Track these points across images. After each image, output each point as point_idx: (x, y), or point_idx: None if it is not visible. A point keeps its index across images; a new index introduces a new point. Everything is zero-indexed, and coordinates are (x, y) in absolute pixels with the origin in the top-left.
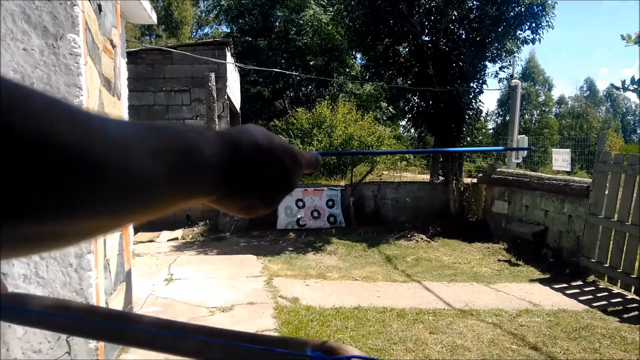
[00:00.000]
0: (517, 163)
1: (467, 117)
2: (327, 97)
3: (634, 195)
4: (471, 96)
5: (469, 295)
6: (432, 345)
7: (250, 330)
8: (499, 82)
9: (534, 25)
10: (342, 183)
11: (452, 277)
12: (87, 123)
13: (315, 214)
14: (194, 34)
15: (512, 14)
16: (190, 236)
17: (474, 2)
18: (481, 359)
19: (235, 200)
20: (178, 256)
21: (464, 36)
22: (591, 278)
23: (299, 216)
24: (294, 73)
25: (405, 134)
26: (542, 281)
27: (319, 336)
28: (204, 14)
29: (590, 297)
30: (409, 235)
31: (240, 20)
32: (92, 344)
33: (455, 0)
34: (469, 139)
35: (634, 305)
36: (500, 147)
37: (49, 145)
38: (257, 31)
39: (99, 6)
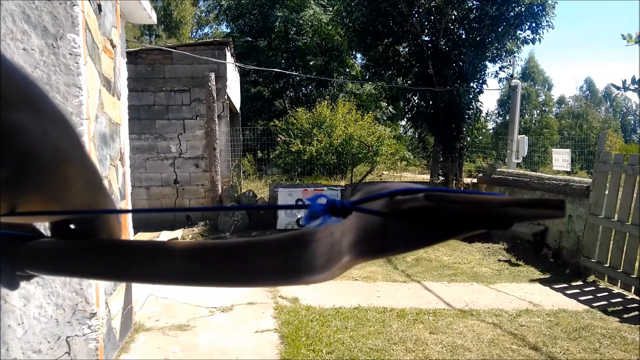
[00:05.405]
0: (517, 163)
1: (467, 117)
2: (327, 97)
3: (634, 195)
4: (471, 96)
5: (469, 295)
6: (432, 346)
7: (250, 331)
8: (499, 82)
9: (534, 25)
10: (342, 183)
11: (452, 277)
12: None
13: None
14: (194, 34)
15: (512, 13)
16: (190, 236)
17: (474, 2)
18: (481, 359)
19: None
20: None
21: (463, 36)
22: (591, 278)
23: (298, 216)
24: (294, 73)
25: (405, 134)
26: (542, 281)
27: (319, 336)
28: (203, 14)
29: (591, 297)
30: None
31: (240, 20)
32: (92, 344)
33: (455, 0)
34: (469, 139)
35: (634, 305)
36: None
37: None
38: (257, 31)
39: (99, 6)
